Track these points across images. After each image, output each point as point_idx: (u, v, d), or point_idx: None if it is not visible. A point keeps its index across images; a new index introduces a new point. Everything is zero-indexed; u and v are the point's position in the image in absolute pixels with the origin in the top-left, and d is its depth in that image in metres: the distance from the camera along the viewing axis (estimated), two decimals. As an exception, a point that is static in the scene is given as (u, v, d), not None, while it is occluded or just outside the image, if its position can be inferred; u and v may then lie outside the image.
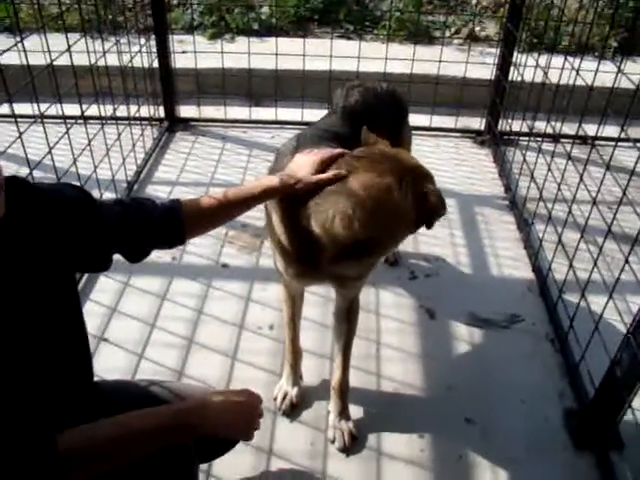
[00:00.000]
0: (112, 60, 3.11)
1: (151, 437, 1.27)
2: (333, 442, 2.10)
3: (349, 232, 1.57)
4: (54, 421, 1.20)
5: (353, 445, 2.10)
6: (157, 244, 1.59)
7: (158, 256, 2.88)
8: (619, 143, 2.37)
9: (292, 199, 1.67)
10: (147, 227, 1.53)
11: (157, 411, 1.32)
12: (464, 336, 2.56)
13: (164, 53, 3.76)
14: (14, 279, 1.18)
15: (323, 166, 1.67)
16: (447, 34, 5.23)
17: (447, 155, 3.92)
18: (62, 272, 1.33)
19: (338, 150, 1.74)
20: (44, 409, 1.22)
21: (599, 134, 2.55)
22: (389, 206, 1.58)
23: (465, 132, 4.17)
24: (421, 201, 1.60)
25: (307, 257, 1.71)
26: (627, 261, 2.02)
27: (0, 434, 1.07)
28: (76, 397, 1.39)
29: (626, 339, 1.94)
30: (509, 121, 3.73)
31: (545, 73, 3.03)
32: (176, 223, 1.56)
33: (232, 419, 1.43)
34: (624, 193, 2.05)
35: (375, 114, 2.24)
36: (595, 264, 2.27)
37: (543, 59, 3.09)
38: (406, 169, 1.64)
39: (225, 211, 1.66)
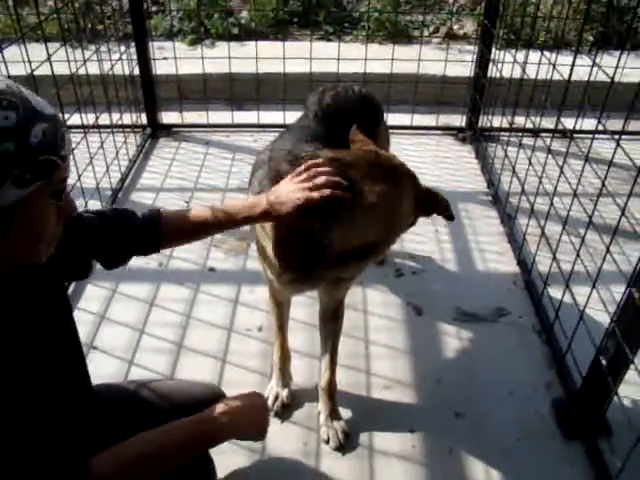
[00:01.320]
0: (93, 68, 3.12)
1: (178, 451, 1.31)
2: (327, 442, 2.11)
3: (355, 239, 1.63)
4: (81, 444, 1.21)
5: (347, 442, 2.11)
6: (133, 252, 1.59)
7: (145, 262, 2.88)
8: (599, 135, 2.40)
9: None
10: (124, 235, 1.53)
11: (180, 425, 1.35)
12: (451, 331, 2.58)
13: (144, 60, 3.77)
14: (17, 288, 1.20)
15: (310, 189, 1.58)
16: (426, 33, 5.27)
17: (429, 153, 3.95)
18: (53, 281, 1.34)
19: (325, 169, 1.62)
20: (69, 431, 1.22)
21: (578, 127, 2.59)
22: (393, 210, 1.65)
23: (446, 129, 4.20)
24: (424, 199, 1.74)
25: (302, 263, 1.72)
26: (608, 251, 2.05)
27: (35, 460, 1.09)
28: (80, 407, 1.40)
29: (610, 328, 1.97)
30: (489, 117, 3.77)
31: (523, 69, 3.06)
32: (153, 234, 1.56)
33: (248, 421, 1.49)
34: (603, 184, 2.09)
35: (348, 118, 2.24)
36: (578, 255, 2.30)
37: (521, 55, 3.13)
38: (398, 171, 1.72)
39: (203, 230, 1.67)
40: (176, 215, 1.66)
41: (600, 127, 2.15)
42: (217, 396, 1.70)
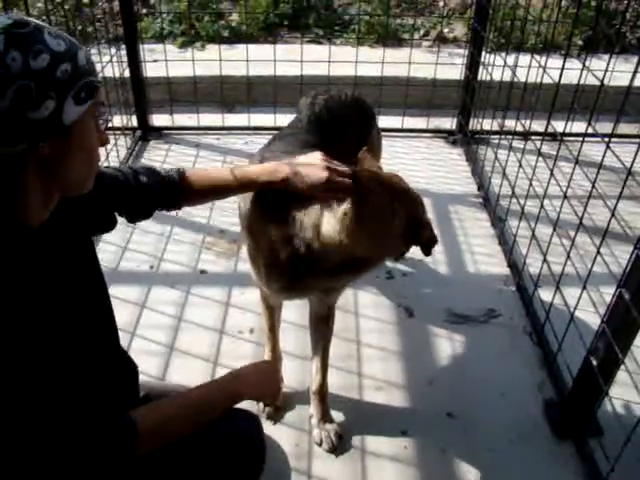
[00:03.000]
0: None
1: (209, 406, 1.45)
2: (320, 444, 2.11)
3: (345, 247, 1.61)
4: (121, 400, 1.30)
5: (340, 444, 2.12)
6: (154, 209, 1.69)
7: (136, 265, 2.89)
8: (589, 138, 2.41)
9: (277, 220, 1.70)
10: (145, 194, 1.62)
11: (209, 384, 1.56)
12: (443, 333, 2.59)
13: (135, 62, 3.76)
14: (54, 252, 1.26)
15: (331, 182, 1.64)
16: (416, 36, 5.28)
17: (420, 155, 3.97)
18: (81, 233, 1.41)
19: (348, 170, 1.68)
20: (108, 387, 1.29)
21: (568, 130, 2.60)
22: (384, 227, 1.62)
23: (437, 132, 4.22)
24: (412, 226, 1.65)
25: (293, 272, 1.73)
26: (599, 253, 2.07)
27: (87, 419, 1.17)
28: (114, 363, 1.51)
29: (601, 328, 1.98)
30: (480, 120, 3.79)
31: (513, 72, 3.08)
32: (173, 194, 1.68)
33: (263, 381, 1.63)
34: (593, 186, 2.10)
35: (340, 122, 2.25)
36: (568, 257, 2.31)
37: (511, 58, 3.14)
38: (399, 192, 1.65)
39: (224, 191, 1.78)
40: (197, 176, 1.74)
41: (590, 130, 2.17)
42: None
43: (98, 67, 3.36)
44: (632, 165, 1.84)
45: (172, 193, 1.68)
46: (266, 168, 1.72)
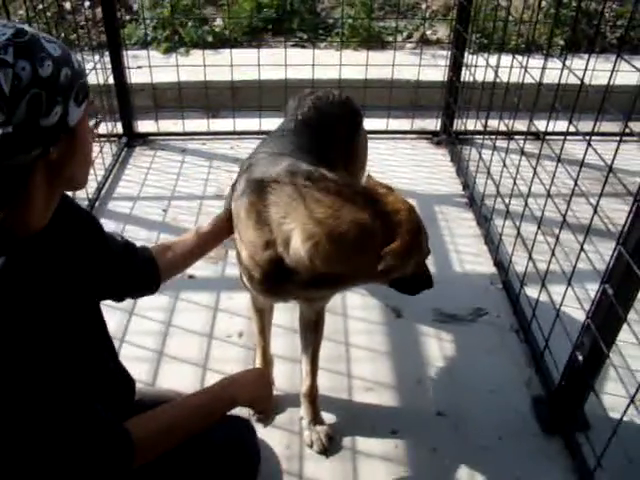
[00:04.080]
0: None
1: (204, 413, 1.46)
2: (311, 446, 2.12)
3: (319, 264, 1.61)
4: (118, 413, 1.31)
5: (331, 445, 2.12)
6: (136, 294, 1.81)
7: (124, 271, 2.87)
8: (572, 137, 2.44)
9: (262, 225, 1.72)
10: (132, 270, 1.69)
11: (204, 391, 1.57)
12: (431, 332, 2.60)
13: (119, 69, 3.76)
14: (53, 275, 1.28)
15: None
16: (399, 39, 5.31)
17: (405, 157, 3.99)
18: (84, 285, 1.42)
19: None
20: (102, 398, 1.30)
21: (551, 129, 2.63)
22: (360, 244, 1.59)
23: (421, 133, 4.24)
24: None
25: (273, 278, 1.75)
26: (582, 249, 2.09)
27: (81, 429, 1.19)
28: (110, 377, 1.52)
29: (586, 324, 2.01)
30: (464, 120, 3.81)
31: (495, 72, 3.10)
32: (152, 274, 1.76)
33: (257, 387, 1.63)
34: (575, 184, 2.12)
35: (329, 123, 2.27)
36: (553, 254, 2.34)
37: (494, 59, 3.17)
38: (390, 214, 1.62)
39: (191, 260, 1.89)
40: (165, 253, 1.80)
41: (572, 128, 2.19)
42: None
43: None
44: (613, 162, 1.86)
45: (150, 272, 1.76)
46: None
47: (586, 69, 2.10)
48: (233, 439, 1.59)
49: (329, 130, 2.22)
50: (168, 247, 1.82)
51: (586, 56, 2.37)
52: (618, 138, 1.83)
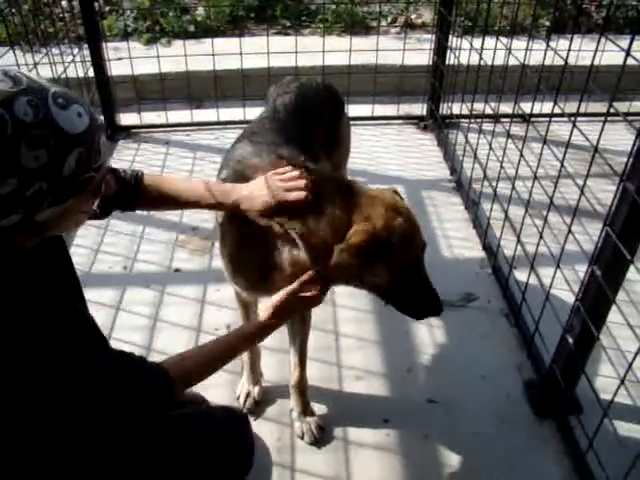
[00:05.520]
0: (46, 72, 3.05)
1: (243, 343, 1.64)
2: (302, 437, 2.11)
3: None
4: None
5: (322, 436, 2.11)
6: (112, 207, 1.70)
7: (109, 266, 2.85)
8: (559, 118, 2.41)
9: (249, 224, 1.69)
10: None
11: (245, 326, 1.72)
12: (421, 319, 2.58)
13: (99, 61, 3.71)
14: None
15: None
16: (384, 23, 5.27)
17: (391, 142, 3.96)
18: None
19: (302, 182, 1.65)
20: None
21: (538, 111, 2.60)
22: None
23: (408, 119, 4.21)
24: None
25: (259, 277, 1.73)
26: (570, 231, 2.07)
27: (131, 374, 1.32)
28: None
29: (575, 307, 1.99)
30: (449, 105, 3.78)
31: (480, 55, 3.07)
32: (130, 196, 1.68)
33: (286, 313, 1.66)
34: (562, 165, 2.10)
35: (311, 109, 2.24)
36: (541, 237, 2.32)
37: (479, 42, 3.13)
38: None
39: (175, 204, 1.77)
40: (153, 183, 1.72)
41: (557, 110, 2.17)
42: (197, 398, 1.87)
43: (60, 68, 3.31)
44: (598, 142, 1.84)
45: (128, 194, 1.67)
46: (220, 190, 1.71)
47: (569, 50, 2.06)
48: (227, 429, 1.61)
49: (312, 117, 2.19)
50: (162, 184, 1.76)
51: (573, 37, 2.34)
52: (603, 118, 1.81)
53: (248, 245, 1.70)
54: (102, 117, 3.92)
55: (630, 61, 1.69)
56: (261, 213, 1.62)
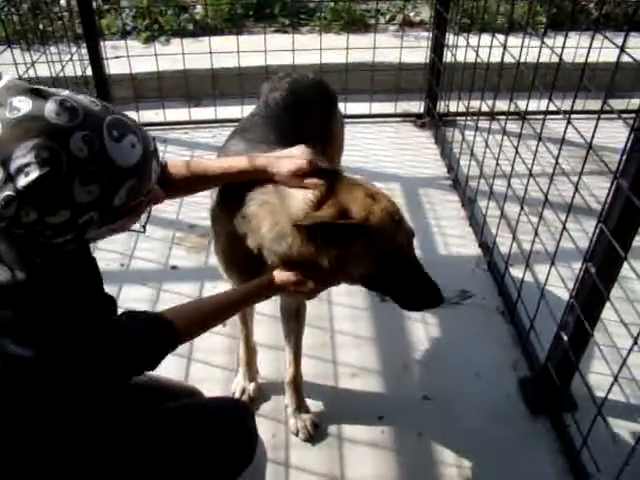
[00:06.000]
0: (44, 71, 3.06)
1: (243, 301, 1.66)
2: (297, 434, 2.11)
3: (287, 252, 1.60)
4: None
5: (316, 433, 2.11)
6: None
7: (106, 264, 2.85)
8: (556, 116, 2.41)
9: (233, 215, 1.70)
10: None
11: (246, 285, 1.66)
12: (416, 316, 2.58)
13: (97, 60, 3.72)
14: None
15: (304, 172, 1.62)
16: (382, 21, 5.26)
17: (389, 140, 3.96)
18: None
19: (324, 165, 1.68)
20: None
21: (536, 108, 2.60)
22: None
23: (405, 116, 4.21)
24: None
25: (252, 271, 1.72)
26: (564, 228, 2.07)
27: (136, 331, 1.35)
28: None
29: (569, 304, 1.99)
30: (446, 102, 3.78)
31: (476, 52, 3.07)
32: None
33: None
34: (557, 162, 2.10)
35: (303, 105, 2.24)
36: (536, 234, 2.31)
37: (477, 39, 3.12)
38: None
39: (207, 181, 1.74)
40: (177, 167, 1.70)
41: (553, 107, 2.17)
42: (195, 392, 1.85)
43: (58, 67, 3.31)
44: (592, 139, 1.84)
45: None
46: (245, 156, 1.71)
47: (564, 46, 2.06)
48: (231, 416, 1.62)
49: (305, 113, 2.19)
50: (187, 165, 1.75)
51: (571, 34, 2.34)
52: (597, 116, 1.81)
53: (240, 240, 1.69)
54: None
55: (626, 58, 1.69)
56: (288, 176, 1.61)
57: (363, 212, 1.52)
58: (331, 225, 1.49)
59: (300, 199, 1.56)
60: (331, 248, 1.53)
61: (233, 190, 1.70)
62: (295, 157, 1.65)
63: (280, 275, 1.61)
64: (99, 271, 1.43)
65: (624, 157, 1.66)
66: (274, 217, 1.60)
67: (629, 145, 1.65)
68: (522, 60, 2.49)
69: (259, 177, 1.66)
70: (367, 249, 1.54)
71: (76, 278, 1.29)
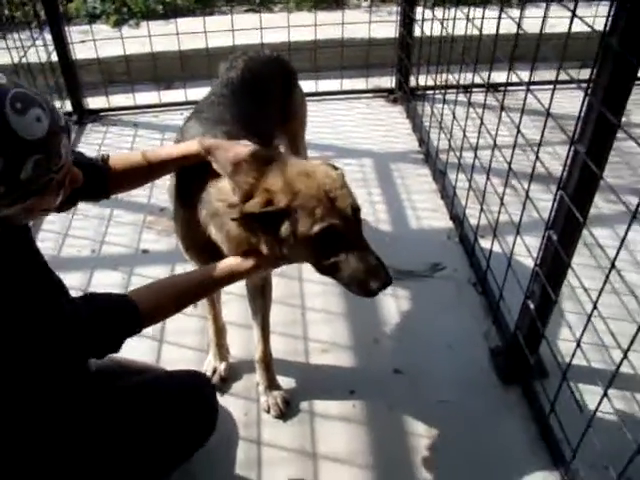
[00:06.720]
0: (5, 58, 3.02)
1: (210, 285, 1.65)
2: (268, 411, 2.12)
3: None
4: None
5: (288, 410, 2.12)
6: (84, 198, 1.67)
7: (77, 250, 2.84)
8: (524, 87, 2.40)
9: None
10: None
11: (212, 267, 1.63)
12: (388, 290, 2.55)
13: (62, 45, 3.65)
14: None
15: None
16: (354, -2, 5.22)
17: (360, 116, 3.94)
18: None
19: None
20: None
21: (501, 80, 2.58)
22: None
23: (377, 92, 4.19)
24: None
25: (210, 254, 1.73)
26: (528, 197, 2.08)
27: (102, 313, 1.39)
28: None
29: (534, 272, 2.00)
30: (417, 76, 3.76)
31: (441, 24, 3.06)
32: (102, 181, 1.67)
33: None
34: (518, 131, 2.10)
35: (261, 82, 2.22)
36: (502, 204, 2.32)
37: (449, 12, 3.09)
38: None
39: (146, 175, 1.76)
40: (119, 159, 1.71)
41: (515, 78, 2.16)
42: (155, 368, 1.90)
43: (22, 53, 3.24)
44: (549, 106, 1.84)
45: (99, 180, 1.66)
46: (176, 147, 1.74)
47: (521, 17, 2.07)
48: (191, 386, 1.65)
49: (263, 89, 2.18)
50: (128, 159, 1.75)
51: (543, 5, 2.33)
52: (554, 85, 1.81)
53: (195, 224, 1.70)
54: (69, 101, 3.89)
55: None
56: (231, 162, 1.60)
57: (289, 196, 1.49)
58: (257, 215, 1.49)
59: (229, 190, 1.60)
60: (265, 235, 1.55)
61: (186, 177, 1.74)
62: (237, 147, 1.64)
63: (235, 262, 1.64)
64: (44, 259, 1.44)
65: (580, 123, 1.66)
66: (212, 207, 1.65)
67: (584, 111, 1.65)
68: (497, 33, 2.46)
69: (195, 161, 1.68)
70: (294, 232, 1.51)
71: (11, 266, 1.27)
